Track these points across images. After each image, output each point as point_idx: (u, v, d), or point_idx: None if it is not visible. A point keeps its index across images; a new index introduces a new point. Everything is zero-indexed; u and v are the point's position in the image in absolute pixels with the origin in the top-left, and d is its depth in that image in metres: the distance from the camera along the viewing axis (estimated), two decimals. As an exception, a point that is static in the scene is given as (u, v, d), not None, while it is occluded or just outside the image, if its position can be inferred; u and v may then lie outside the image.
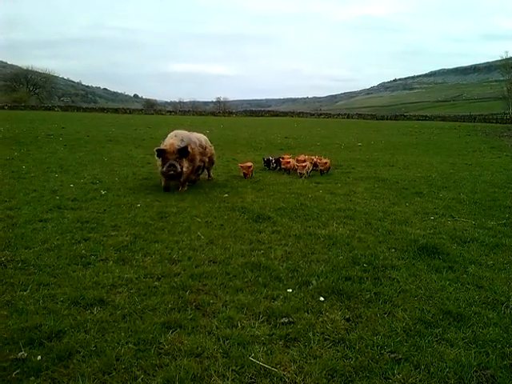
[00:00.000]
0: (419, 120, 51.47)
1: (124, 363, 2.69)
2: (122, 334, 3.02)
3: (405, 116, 58.45)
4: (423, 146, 19.06)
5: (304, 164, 9.95)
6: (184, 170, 7.80)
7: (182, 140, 8.05)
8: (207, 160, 9.09)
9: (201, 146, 8.65)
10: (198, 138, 8.86)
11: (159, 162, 7.85)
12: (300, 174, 9.83)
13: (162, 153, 7.77)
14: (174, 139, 8.05)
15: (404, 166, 12.19)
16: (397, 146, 18.65)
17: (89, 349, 2.83)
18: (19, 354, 2.76)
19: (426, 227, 5.79)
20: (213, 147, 9.47)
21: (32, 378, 2.56)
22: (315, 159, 10.57)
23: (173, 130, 8.61)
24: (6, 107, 53.28)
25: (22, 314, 3.27)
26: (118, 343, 2.90)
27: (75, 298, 3.51)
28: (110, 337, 2.98)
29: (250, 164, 9.74)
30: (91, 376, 2.56)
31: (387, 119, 54.12)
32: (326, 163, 10.39)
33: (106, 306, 3.42)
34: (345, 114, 62.71)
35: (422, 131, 30.88)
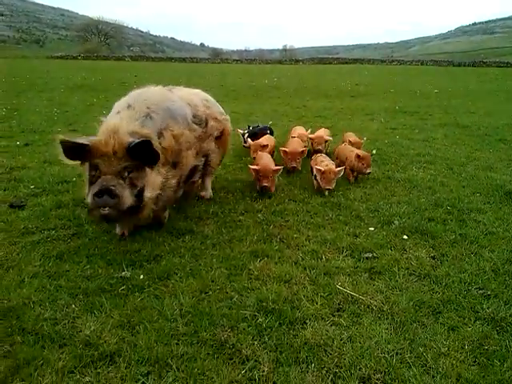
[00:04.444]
0: (500, 67, 47.48)
1: (218, 284, 2.90)
2: (214, 260, 3.22)
3: (484, 62, 54.14)
4: (505, 94, 17.71)
5: None
6: (147, 195, 3.17)
7: (148, 116, 3.35)
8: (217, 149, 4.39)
9: (198, 118, 3.92)
10: (193, 101, 3.99)
11: (86, 171, 3.19)
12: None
13: (81, 152, 3.05)
14: (122, 115, 3.35)
15: (485, 113, 11.47)
16: (476, 93, 17.48)
17: (185, 271, 3.06)
18: (123, 273, 3.03)
19: (513, 173, 5.53)
20: (228, 116, 4.63)
21: (137, 293, 2.81)
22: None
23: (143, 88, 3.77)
24: (79, 57, 55.13)
25: (121, 239, 3.55)
26: (211, 268, 3.11)
27: (167, 228, 3.75)
28: (202, 262, 3.20)
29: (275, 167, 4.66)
30: (190, 294, 2.78)
31: (465, 66, 50.46)
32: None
33: (196, 235, 3.64)
34: (418, 61, 58.96)
35: (504, 78, 28.60)
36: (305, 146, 5.87)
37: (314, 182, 4.81)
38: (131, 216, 3.22)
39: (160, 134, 3.33)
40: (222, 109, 4.57)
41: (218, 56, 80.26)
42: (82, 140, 3.02)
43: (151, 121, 3.33)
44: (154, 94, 3.66)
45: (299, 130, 6.61)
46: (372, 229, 3.81)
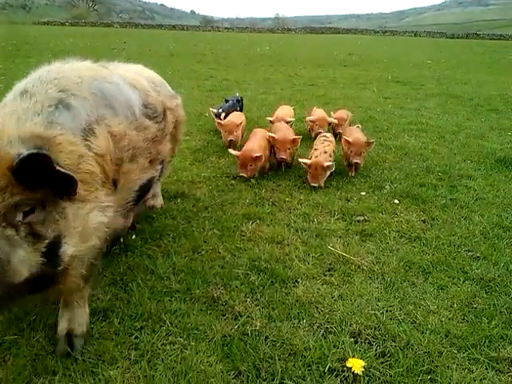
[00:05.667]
0: (493, 40, 47.19)
1: (211, 245, 2.91)
2: (206, 222, 3.22)
3: (477, 35, 53.64)
4: (498, 65, 17.66)
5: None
6: (68, 252, 1.63)
7: (62, 105, 1.84)
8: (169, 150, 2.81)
9: (152, 109, 2.43)
10: (140, 83, 2.46)
11: None
12: None
13: None
14: (11, 108, 1.83)
15: (478, 83, 11.43)
16: (469, 65, 17.38)
17: (177, 232, 3.06)
18: (115, 236, 3.02)
19: (504, 142, 5.55)
20: (178, 99, 3.06)
21: (129, 253, 2.81)
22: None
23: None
24: (67, 23, 53.60)
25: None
26: (203, 229, 3.11)
27: (163, 190, 3.70)
28: (195, 223, 3.20)
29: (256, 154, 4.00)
30: (182, 253, 2.79)
31: (458, 38, 50.04)
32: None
33: (188, 198, 3.64)
34: (412, 32, 58.23)
35: (496, 51, 28.43)
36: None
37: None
38: (41, 292, 1.75)
39: (89, 132, 1.87)
40: (171, 90, 3.07)
41: (208, 24, 78.81)
42: None
43: (68, 112, 1.85)
44: (78, 68, 2.16)
45: (286, 110, 5.54)
46: (363, 193, 3.82)
